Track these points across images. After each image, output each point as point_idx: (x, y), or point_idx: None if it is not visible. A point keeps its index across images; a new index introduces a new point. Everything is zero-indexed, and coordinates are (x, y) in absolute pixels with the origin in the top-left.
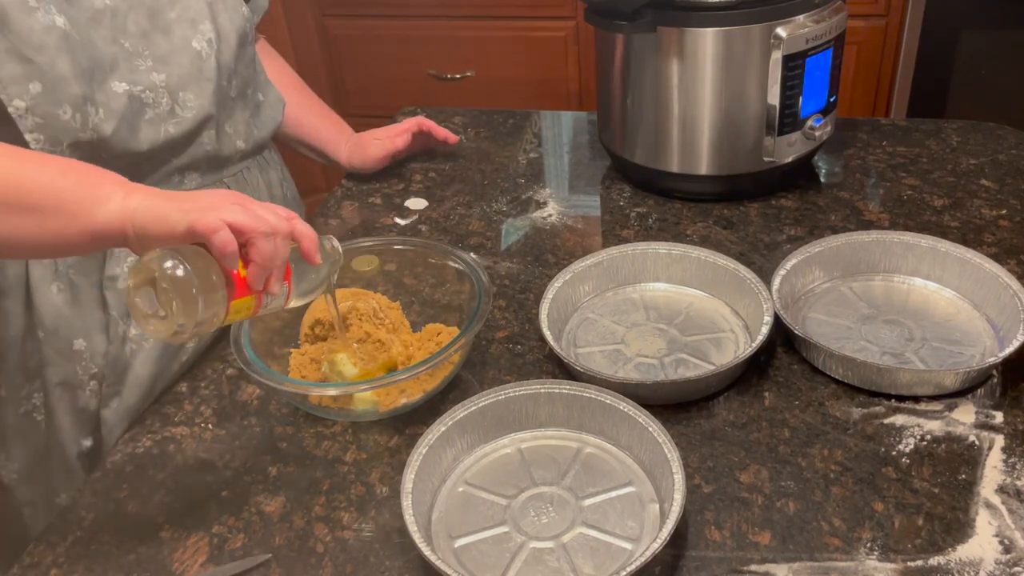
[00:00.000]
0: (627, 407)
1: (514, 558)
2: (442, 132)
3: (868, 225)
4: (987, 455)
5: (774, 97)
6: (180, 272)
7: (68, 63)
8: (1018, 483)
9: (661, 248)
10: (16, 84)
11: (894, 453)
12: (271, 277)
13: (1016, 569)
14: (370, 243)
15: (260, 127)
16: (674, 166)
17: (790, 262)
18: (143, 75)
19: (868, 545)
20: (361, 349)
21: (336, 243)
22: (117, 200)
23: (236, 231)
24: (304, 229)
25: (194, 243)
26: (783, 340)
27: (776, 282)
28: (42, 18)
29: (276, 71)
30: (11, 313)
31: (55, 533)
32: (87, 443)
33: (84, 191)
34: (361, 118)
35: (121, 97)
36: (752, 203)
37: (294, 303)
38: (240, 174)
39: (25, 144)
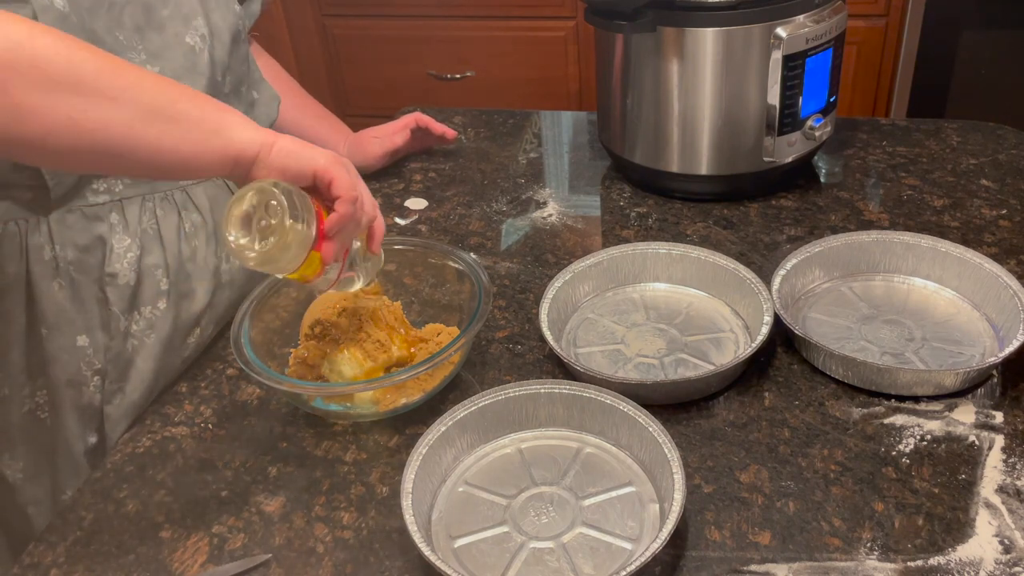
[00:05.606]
0: (627, 407)
1: (514, 558)
2: (439, 127)
3: (868, 225)
4: (987, 455)
5: (774, 97)
6: (291, 197)
7: None
8: (1018, 483)
9: (661, 248)
10: None
11: (894, 453)
12: (338, 240)
13: (1016, 569)
14: None
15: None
16: (674, 166)
17: (790, 262)
18: None
19: (868, 545)
20: (361, 349)
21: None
22: (251, 127)
23: (336, 184)
24: (381, 222)
25: (313, 183)
26: (783, 340)
27: (776, 282)
28: None
29: (270, 73)
30: (12, 311)
31: (55, 533)
32: (92, 440)
33: (223, 113)
34: (361, 118)
35: None
36: (752, 203)
37: (339, 287)
38: None
39: None
